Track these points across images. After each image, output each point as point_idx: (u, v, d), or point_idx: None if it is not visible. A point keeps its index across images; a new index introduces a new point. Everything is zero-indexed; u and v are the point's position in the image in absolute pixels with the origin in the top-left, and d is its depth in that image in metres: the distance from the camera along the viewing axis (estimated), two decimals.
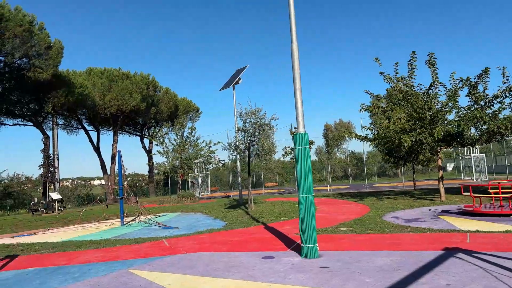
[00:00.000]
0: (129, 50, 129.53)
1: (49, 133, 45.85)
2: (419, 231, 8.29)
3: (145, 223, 13.96)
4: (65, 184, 64.57)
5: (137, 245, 9.06)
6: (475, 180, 31.71)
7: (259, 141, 15.01)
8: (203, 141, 25.89)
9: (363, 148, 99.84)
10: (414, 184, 19.75)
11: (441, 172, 14.66)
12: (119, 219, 14.96)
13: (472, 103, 13.68)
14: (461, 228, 8.32)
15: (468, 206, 10.76)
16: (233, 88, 19.41)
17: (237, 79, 19.03)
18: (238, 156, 19.05)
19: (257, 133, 15.01)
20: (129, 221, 15.23)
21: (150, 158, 49.24)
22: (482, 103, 13.26)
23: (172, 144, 25.48)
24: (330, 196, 21.63)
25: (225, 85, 19.87)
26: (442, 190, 14.41)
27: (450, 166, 59.27)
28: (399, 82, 14.25)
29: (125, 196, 14.39)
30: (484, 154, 31.27)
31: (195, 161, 26.33)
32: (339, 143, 60.89)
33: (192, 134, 25.77)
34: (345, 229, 9.19)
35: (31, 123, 36.77)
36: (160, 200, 25.24)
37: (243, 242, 8.35)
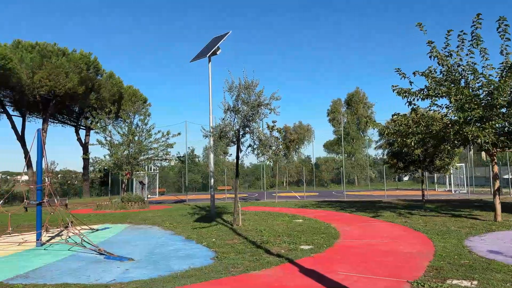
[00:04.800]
0: (69, 25, 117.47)
1: None
2: None
3: (76, 243, 8.81)
4: None
5: None
6: (453, 192, 29.45)
7: (255, 128, 10.45)
8: (159, 131, 20.75)
9: (313, 153, 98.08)
10: (423, 194, 16.34)
11: (497, 183, 11.03)
12: (35, 234, 9.67)
13: None
14: None
15: None
16: (209, 60, 14.68)
17: (215, 48, 14.34)
18: (212, 149, 14.34)
19: (250, 117, 10.44)
20: (51, 238, 9.96)
21: (86, 151, 42.61)
22: None
23: (118, 132, 20.02)
24: (323, 206, 17.50)
25: (198, 55, 15.06)
26: (498, 207, 10.77)
27: (406, 176, 58.33)
28: (451, 55, 10.50)
29: (46, 200, 9.14)
30: (463, 164, 28.99)
31: (143, 157, 21.04)
32: (298, 147, 57.63)
33: (145, 121, 20.52)
34: (468, 285, 4.94)
35: None
36: (97, 204, 19.65)
37: None
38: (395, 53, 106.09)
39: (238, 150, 10.91)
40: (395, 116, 11.84)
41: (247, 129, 10.58)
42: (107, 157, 20.38)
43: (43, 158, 9.27)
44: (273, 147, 10.52)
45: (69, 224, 9.83)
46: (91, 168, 45.64)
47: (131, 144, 19.78)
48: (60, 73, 31.57)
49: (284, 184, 58.14)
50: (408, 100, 11.37)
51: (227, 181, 47.65)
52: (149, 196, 29.88)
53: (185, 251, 7.87)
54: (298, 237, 8.90)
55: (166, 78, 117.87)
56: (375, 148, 41.38)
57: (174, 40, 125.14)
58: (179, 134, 20.93)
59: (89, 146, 41.11)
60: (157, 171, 35.18)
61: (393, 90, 11.14)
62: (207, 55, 14.44)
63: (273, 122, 17.84)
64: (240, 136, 10.72)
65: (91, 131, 45.47)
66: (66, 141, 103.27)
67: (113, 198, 21.65)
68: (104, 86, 38.26)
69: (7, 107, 35.51)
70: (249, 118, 10.41)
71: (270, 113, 10.64)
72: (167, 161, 23.04)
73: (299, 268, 5.96)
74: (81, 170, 47.65)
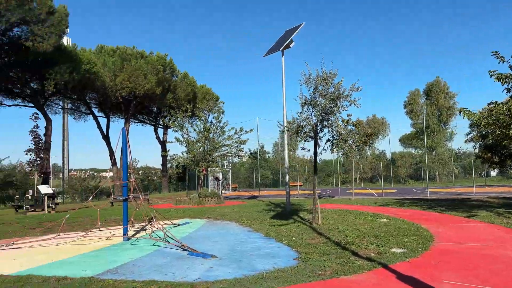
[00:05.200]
0: (145, 30, 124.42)
1: (58, 118, 41.56)
2: None
3: (160, 238, 9.00)
4: (77, 174, 60.27)
5: None
6: None
7: (334, 122, 9.93)
8: (232, 128, 20.91)
9: (389, 148, 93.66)
10: None
11: None
12: (122, 229, 10.10)
13: None
14: None
15: None
16: (282, 54, 14.38)
17: (288, 41, 13.99)
18: (286, 144, 14.15)
19: (329, 110, 9.93)
20: (136, 232, 10.35)
21: (164, 149, 44.79)
22: None
23: (194, 130, 20.55)
24: (407, 205, 16.41)
25: (271, 50, 14.84)
26: None
27: (494, 171, 53.32)
28: None
29: (131, 196, 9.47)
30: None
31: (217, 154, 21.43)
32: (371, 141, 55.37)
33: (219, 119, 20.80)
34: None
35: (32, 105, 32.38)
36: (177, 199, 20.37)
37: None
38: (478, 38, 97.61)
39: (316, 145, 10.46)
40: (492, 105, 10.58)
41: (325, 123, 10.10)
42: (185, 154, 21.04)
43: (128, 156, 9.60)
44: (350, 141, 9.92)
45: (153, 219, 10.13)
46: (168, 165, 47.99)
47: (206, 141, 20.19)
48: (139, 75, 33.29)
49: (358, 181, 56.29)
50: (508, 86, 10.11)
51: (298, 177, 47.11)
52: (223, 191, 30.47)
53: (265, 250, 7.66)
54: (387, 238, 8.24)
55: (236, 76, 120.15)
56: (465, 141, 37.77)
57: (241, 37, 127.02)
58: (251, 130, 20.97)
59: (167, 144, 43.10)
60: (230, 167, 35.77)
61: (491, 76, 9.96)
62: (280, 49, 14.13)
63: (348, 115, 17.12)
64: (318, 130, 10.27)
65: (169, 130, 47.69)
66: (145, 139, 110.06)
67: (191, 193, 22.33)
68: (179, 86, 39.72)
69: (93, 108, 38.41)
70: (328, 112, 9.92)
71: (350, 105, 10.06)
72: (240, 157, 23.24)
73: (395, 274, 5.40)
74: (160, 167, 50.23)
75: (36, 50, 24.35)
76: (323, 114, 9.89)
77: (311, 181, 55.32)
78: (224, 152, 21.08)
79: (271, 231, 9.89)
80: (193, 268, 6.37)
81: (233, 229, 10.75)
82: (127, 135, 28.97)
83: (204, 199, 19.53)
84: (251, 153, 22.84)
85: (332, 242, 8.03)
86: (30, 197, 16.90)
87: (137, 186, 9.72)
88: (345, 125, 14.40)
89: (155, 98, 36.98)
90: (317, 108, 9.87)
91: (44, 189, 16.78)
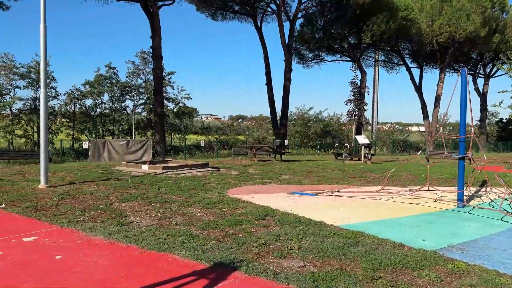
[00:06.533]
0: None
1: (370, 71, 42.79)
2: None
3: (508, 212, 6.79)
4: (383, 128, 61.63)
5: None
6: None
7: None
8: None
9: None
10: None
11: None
12: (453, 192, 8.47)
13: None
14: None
15: None
16: None
17: None
18: None
19: None
20: (469, 198, 8.45)
21: (484, 102, 38.76)
22: None
23: None
24: None
25: None
26: None
27: None
28: None
29: (470, 154, 7.57)
30: None
31: None
32: None
33: None
34: None
35: (349, 59, 34.20)
36: (510, 163, 16.54)
37: None
38: None
39: None
40: None
41: None
42: None
43: (468, 104, 7.61)
44: None
45: (505, 187, 7.92)
46: (487, 120, 41.52)
47: None
48: (460, 16, 29.17)
49: None
50: None
51: None
52: None
53: None
54: None
55: None
56: None
57: None
58: None
59: (488, 96, 36.81)
60: None
61: None
62: None
63: None
64: None
65: (490, 79, 40.75)
66: (457, 91, 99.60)
67: None
68: (510, 25, 32.68)
69: (405, 59, 36.93)
70: None
71: None
72: None
73: None
74: (475, 122, 44.11)
75: (356, 1, 24.72)
76: None
77: None
78: None
79: None
80: None
81: None
82: (442, 86, 25.78)
83: None
84: None
85: None
86: (348, 146, 17.55)
87: (478, 142, 7.68)
88: None
89: (478, 41, 31.80)
90: None
91: (361, 139, 16.97)
